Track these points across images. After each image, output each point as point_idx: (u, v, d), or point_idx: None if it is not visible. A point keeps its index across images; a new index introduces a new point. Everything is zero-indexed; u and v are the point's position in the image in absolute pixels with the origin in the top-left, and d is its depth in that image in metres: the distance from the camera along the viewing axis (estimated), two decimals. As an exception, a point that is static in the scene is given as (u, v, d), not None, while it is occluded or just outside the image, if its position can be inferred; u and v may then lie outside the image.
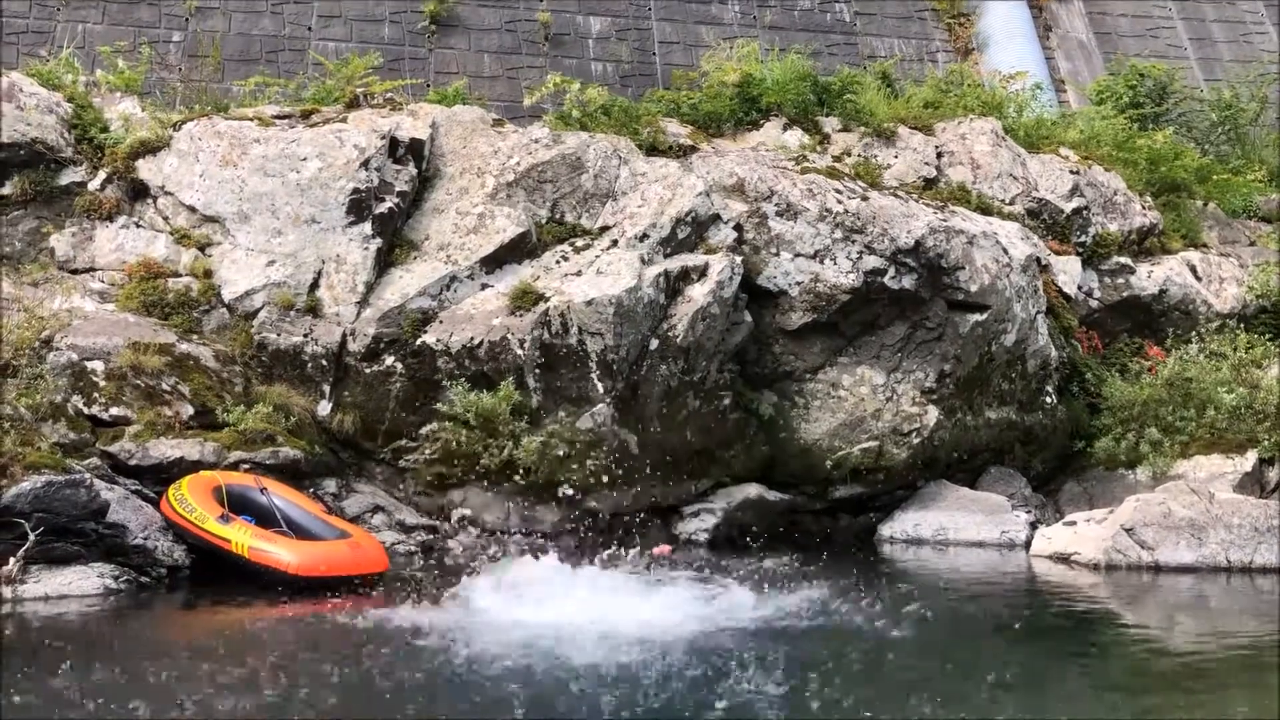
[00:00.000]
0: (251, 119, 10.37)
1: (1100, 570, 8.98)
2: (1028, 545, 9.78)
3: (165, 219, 10.10)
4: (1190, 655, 6.72)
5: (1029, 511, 10.35)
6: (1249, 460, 10.32)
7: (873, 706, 4.88)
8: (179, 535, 8.11)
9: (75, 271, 9.83)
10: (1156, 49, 16.64)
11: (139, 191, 10.17)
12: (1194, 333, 11.66)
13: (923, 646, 6.37)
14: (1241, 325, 11.82)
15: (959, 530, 10.10)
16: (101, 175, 10.19)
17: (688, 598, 6.90)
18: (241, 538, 7.87)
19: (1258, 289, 12.18)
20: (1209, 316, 11.98)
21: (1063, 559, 9.33)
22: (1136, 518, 9.19)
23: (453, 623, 6.20)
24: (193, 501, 8.06)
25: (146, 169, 10.17)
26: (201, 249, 9.89)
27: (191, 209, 9.99)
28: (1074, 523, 9.70)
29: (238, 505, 8.26)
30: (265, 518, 8.24)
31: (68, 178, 10.17)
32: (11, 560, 7.14)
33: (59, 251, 9.89)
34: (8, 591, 7.07)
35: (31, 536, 7.19)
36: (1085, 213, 12.17)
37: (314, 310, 9.52)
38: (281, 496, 8.48)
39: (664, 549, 9.48)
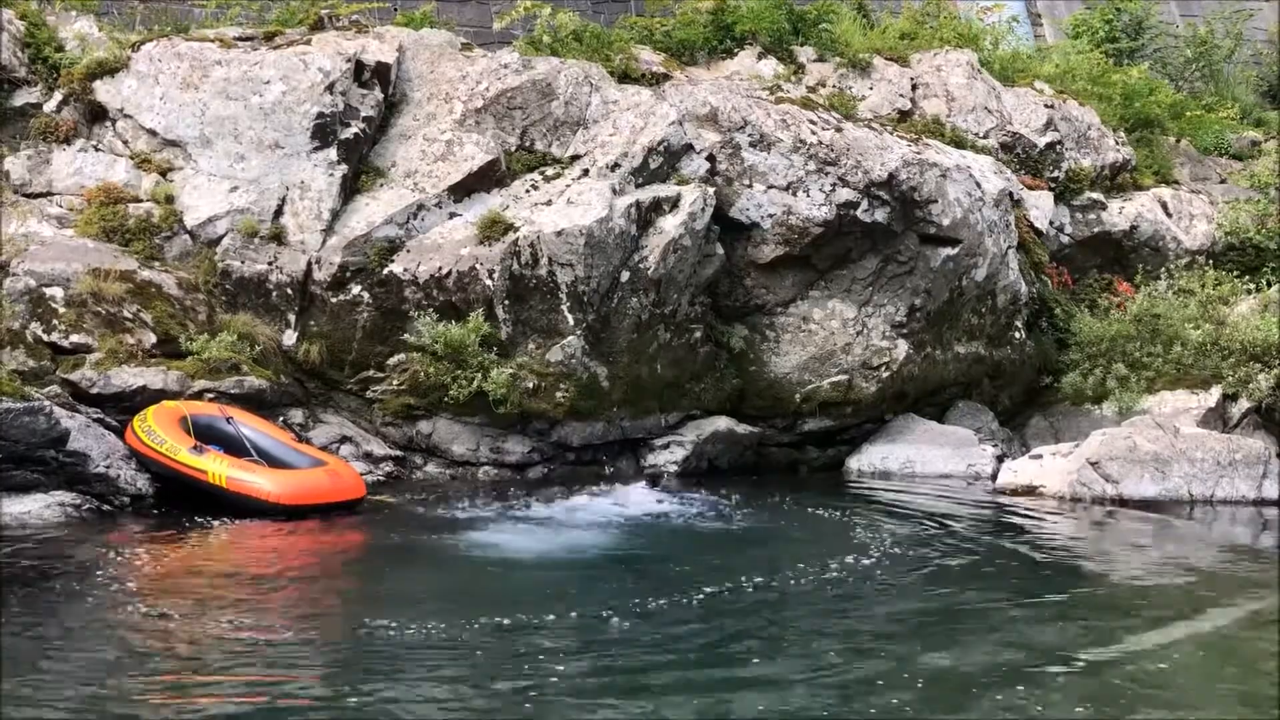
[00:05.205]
0: (213, 40, 10.09)
1: (1065, 502, 9.09)
2: (994, 478, 9.86)
3: (125, 142, 9.85)
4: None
5: (995, 445, 10.43)
6: (1213, 396, 10.43)
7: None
8: (146, 466, 8.02)
9: (31, 195, 9.58)
10: (1134, -17, 16.47)
11: (97, 114, 9.90)
12: (1163, 269, 11.70)
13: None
14: (1210, 262, 11.86)
15: (926, 463, 10.16)
16: (57, 97, 9.90)
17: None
18: (218, 468, 7.82)
19: (1227, 226, 12.21)
20: (1178, 253, 12.01)
21: (1028, 491, 9.43)
22: (1102, 451, 9.29)
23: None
24: (161, 433, 7.97)
25: (104, 91, 9.89)
26: (163, 174, 9.67)
27: (152, 132, 9.75)
28: (1040, 456, 9.79)
29: (204, 435, 8.18)
30: (233, 447, 8.18)
31: (22, 98, 9.88)
32: (-30, 488, 7.05)
33: (14, 175, 9.63)
34: (-33, 519, 6.99)
35: (-10, 464, 7.09)
36: (1059, 147, 12.12)
37: (278, 238, 9.35)
38: (249, 426, 8.42)
39: (663, 481, 9.44)
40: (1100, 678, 5.05)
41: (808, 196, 10.02)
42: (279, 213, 9.43)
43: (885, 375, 10.34)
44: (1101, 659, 5.25)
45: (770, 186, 10.05)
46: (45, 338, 8.56)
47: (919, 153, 10.43)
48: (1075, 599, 6.44)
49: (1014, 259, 10.87)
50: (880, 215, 10.11)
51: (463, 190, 9.64)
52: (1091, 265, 12.00)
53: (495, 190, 9.71)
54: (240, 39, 10.21)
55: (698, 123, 10.18)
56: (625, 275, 9.50)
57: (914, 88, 11.92)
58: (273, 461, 8.16)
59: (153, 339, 8.79)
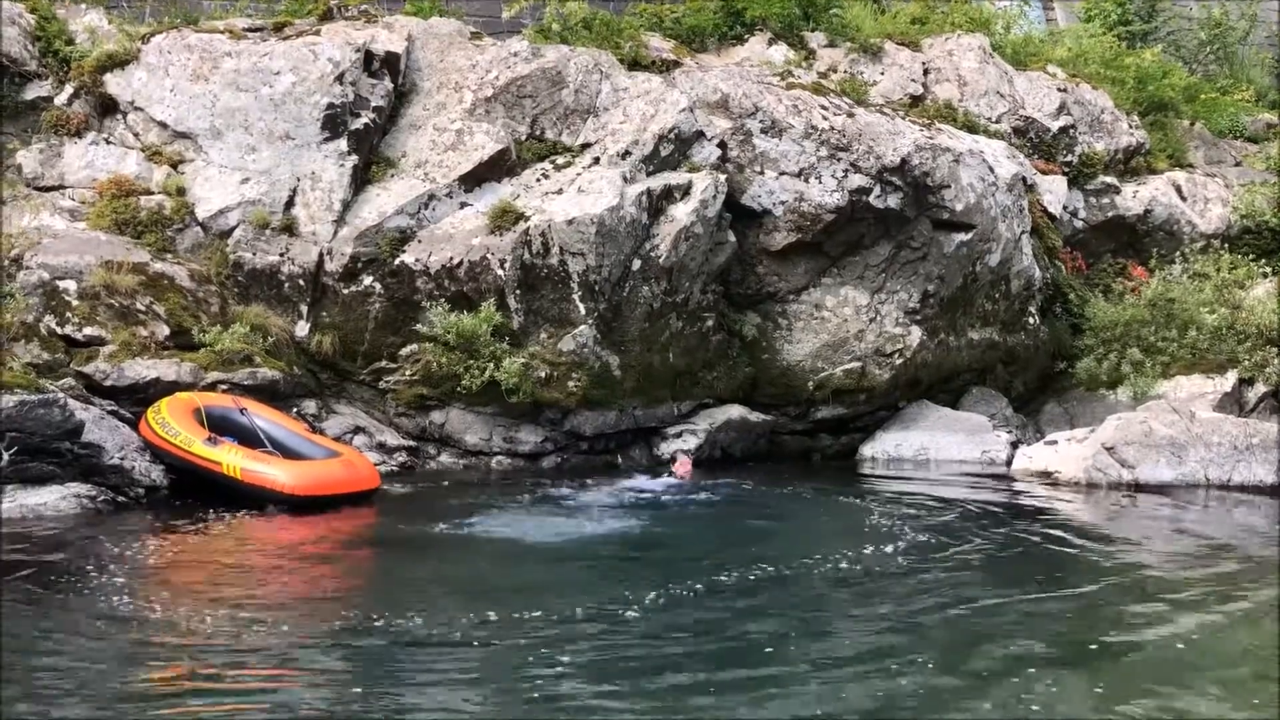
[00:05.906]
0: (222, 32, 10.08)
1: (1080, 487, 9.04)
2: (1008, 464, 9.82)
3: (136, 135, 9.85)
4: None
5: (1010, 431, 10.39)
6: (1229, 380, 10.37)
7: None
8: (160, 458, 8.03)
9: (44, 189, 9.60)
10: (1147, -35, 16.35)
11: (108, 107, 9.91)
12: (1178, 253, 11.63)
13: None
14: (1225, 246, 11.78)
15: (940, 450, 10.13)
16: (68, 90, 9.91)
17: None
18: (232, 460, 7.82)
19: (1243, 209, 12.12)
20: (1193, 237, 11.93)
21: (1043, 477, 9.38)
22: (1118, 436, 9.24)
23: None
24: (176, 425, 7.97)
25: (115, 83, 9.89)
26: (174, 166, 9.68)
27: (163, 125, 9.75)
28: (1055, 442, 9.74)
29: (218, 427, 8.19)
30: (247, 438, 8.17)
31: (33, 92, 9.90)
32: (-14, 480, 7.07)
33: (26, 168, 9.64)
34: (-17, 511, 7.00)
35: (5, 456, 7.12)
36: (1072, 131, 12.04)
37: (290, 229, 9.35)
38: (263, 417, 8.41)
39: (686, 468, 9.34)
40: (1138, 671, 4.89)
41: (819, 183, 9.96)
42: (290, 204, 9.42)
43: (899, 362, 10.30)
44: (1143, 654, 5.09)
45: (782, 173, 10.00)
46: (59, 330, 8.57)
47: (931, 138, 10.37)
48: (1108, 588, 6.34)
49: (1027, 244, 10.80)
50: (893, 201, 10.06)
51: (473, 180, 9.62)
52: (1105, 250, 11.94)
53: (506, 179, 9.68)
54: (249, 30, 10.21)
55: (708, 110, 10.13)
56: (637, 264, 9.47)
57: (926, 72, 11.85)
58: (287, 453, 8.16)
59: (166, 331, 8.80)
